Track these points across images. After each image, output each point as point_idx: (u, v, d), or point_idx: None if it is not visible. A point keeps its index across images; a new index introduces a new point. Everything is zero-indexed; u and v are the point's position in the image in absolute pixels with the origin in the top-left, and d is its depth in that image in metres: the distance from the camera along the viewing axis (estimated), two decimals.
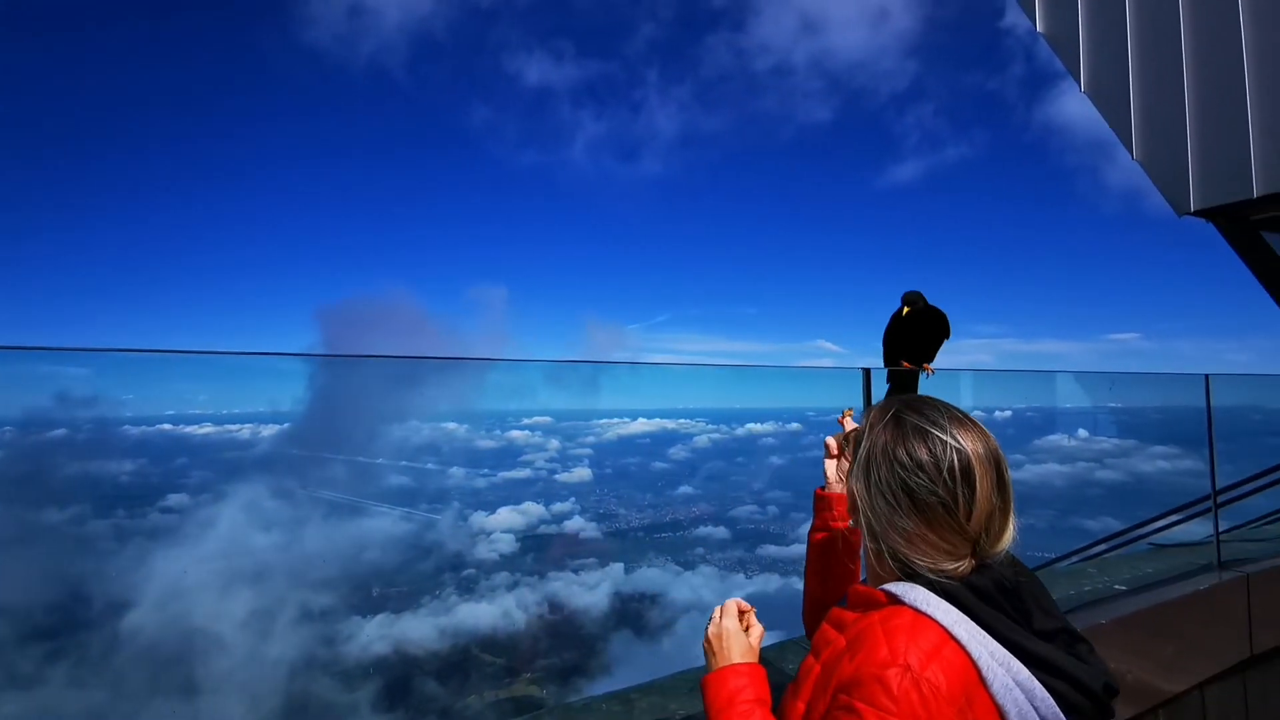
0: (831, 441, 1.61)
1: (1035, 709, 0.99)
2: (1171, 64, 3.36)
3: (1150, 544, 4.12)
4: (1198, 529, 3.86)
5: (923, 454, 1.08)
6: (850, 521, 1.18)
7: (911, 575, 1.09)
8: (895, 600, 1.07)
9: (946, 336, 2.88)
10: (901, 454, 1.09)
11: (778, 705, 1.20)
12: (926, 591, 1.06)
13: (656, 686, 1.95)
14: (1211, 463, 3.55)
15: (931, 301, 2.96)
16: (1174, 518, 4.20)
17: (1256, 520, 4.63)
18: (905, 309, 2.80)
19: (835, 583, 1.50)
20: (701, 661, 1.32)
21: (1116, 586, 3.10)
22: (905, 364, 2.76)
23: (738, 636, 1.30)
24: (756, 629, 1.35)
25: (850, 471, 1.18)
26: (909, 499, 1.08)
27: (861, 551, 1.28)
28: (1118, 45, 3.57)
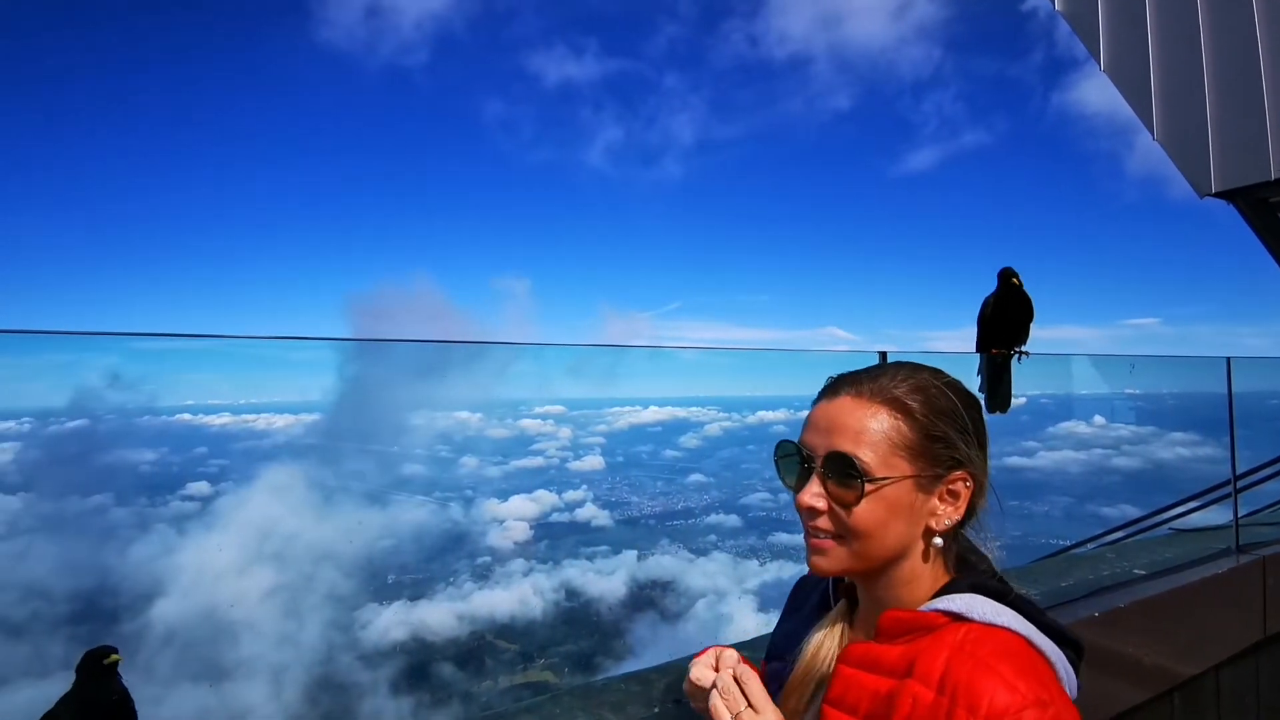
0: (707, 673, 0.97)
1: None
2: (1190, 43, 3.31)
3: (1170, 529, 4.10)
4: (1217, 515, 3.84)
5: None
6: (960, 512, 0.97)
7: (950, 585, 0.96)
8: (959, 618, 0.90)
9: (1031, 318, 2.67)
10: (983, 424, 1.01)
11: None
12: (985, 599, 0.91)
13: (674, 668, 1.97)
14: (1232, 448, 3.52)
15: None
16: (1193, 504, 4.18)
17: (1276, 504, 4.60)
18: (994, 296, 2.60)
19: None
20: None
21: (1136, 571, 3.09)
22: (994, 350, 2.60)
23: None
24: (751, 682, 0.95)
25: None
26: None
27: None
28: (1137, 23, 3.52)
